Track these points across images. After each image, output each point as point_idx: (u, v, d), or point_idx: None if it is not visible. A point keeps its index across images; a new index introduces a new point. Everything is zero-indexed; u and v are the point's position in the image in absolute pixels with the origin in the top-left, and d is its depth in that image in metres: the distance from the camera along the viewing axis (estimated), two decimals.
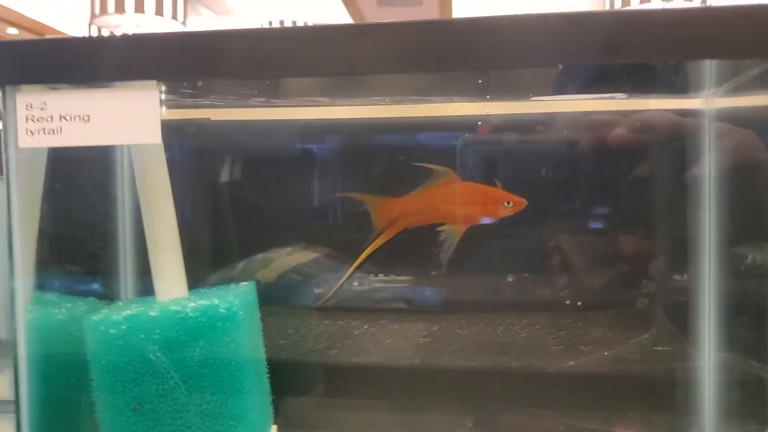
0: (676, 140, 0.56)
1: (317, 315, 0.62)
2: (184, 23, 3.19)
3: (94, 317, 0.44)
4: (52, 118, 0.40)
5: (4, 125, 0.42)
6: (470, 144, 0.58)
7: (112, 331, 0.44)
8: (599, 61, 0.40)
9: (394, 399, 0.61)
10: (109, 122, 0.39)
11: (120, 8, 3.04)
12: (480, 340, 0.61)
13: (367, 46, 0.39)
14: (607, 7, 2.42)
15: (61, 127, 0.40)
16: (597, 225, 0.59)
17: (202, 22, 4.40)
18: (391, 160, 0.61)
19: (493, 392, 0.59)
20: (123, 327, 0.44)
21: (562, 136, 0.59)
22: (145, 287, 0.48)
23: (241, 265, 0.62)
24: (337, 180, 0.63)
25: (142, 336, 0.44)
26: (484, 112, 0.58)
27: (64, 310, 0.48)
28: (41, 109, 0.40)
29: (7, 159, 0.42)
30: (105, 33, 3.22)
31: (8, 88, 0.41)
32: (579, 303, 0.60)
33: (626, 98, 0.56)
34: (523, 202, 0.53)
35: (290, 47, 0.39)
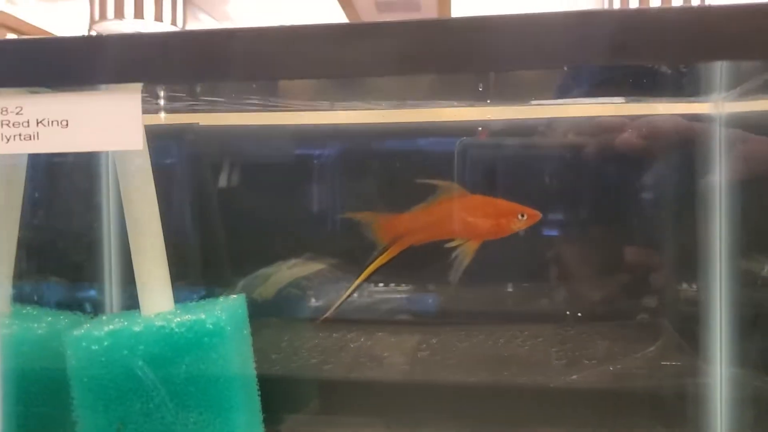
0: (685, 147, 0.53)
1: (320, 328, 0.60)
2: (183, 29, 3.18)
3: (75, 332, 0.42)
4: (28, 123, 0.37)
5: None
6: (469, 150, 0.56)
7: (93, 347, 0.42)
8: (605, 62, 0.37)
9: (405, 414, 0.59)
10: (89, 128, 0.37)
11: (119, 14, 3.03)
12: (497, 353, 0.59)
13: (366, 47, 0.37)
14: (606, 7, 2.33)
15: (38, 133, 0.37)
16: (604, 234, 0.57)
17: (201, 27, 4.40)
18: (392, 169, 0.58)
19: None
20: (105, 343, 0.42)
21: (565, 142, 0.57)
22: (132, 300, 0.46)
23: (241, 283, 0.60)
24: (336, 190, 0.60)
25: (126, 352, 0.42)
26: (485, 117, 0.56)
27: (44, 324, 0.46)
28: (17, 113, 0.38)
29: None
30: None
31: None
32: (581, 314, 0.58)
33: (633, 102, 0.54)
34: (538, 214, 0.50)
35: (282, 47, 0.37)
